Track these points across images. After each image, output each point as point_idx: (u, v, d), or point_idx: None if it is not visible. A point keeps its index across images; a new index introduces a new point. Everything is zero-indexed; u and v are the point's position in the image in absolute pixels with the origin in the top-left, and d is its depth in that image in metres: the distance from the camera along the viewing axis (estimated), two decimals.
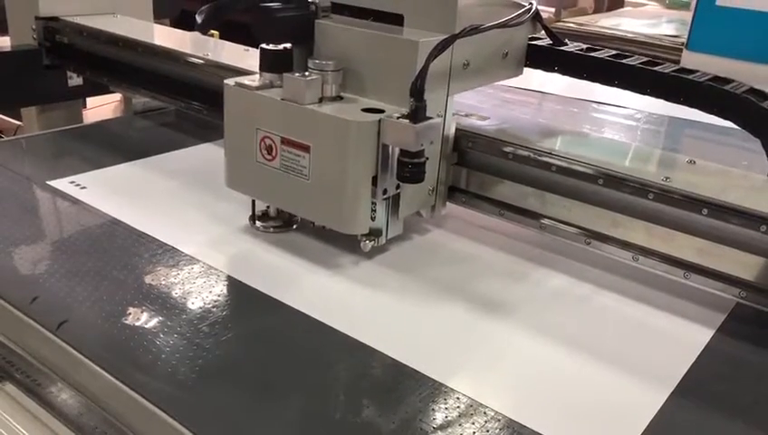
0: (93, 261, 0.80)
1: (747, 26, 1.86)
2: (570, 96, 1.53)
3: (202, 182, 1.00)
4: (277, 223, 0.89)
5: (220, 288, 0.77)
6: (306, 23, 0.82)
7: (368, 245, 0.81)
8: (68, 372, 0.67)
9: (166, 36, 1.27)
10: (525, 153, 0.84)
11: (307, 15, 0.82)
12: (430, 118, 0.74)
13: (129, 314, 0.70)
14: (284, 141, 0.78)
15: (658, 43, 2.31)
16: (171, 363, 0.64)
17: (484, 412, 0.61)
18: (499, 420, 0.60)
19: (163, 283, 0.76)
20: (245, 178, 0.85)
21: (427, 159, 0.76)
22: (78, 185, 0.99)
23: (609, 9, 3.17)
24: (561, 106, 1.55)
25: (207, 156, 1.13)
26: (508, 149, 0.85)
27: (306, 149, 0.77)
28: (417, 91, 0.73)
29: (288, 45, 0.82)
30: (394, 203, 0.82)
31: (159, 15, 1.83)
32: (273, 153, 0.80)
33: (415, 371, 0.65)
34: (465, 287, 0.79)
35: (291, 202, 0.83)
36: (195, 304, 0.73)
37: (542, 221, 0.84)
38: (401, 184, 0.79)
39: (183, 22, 1.70)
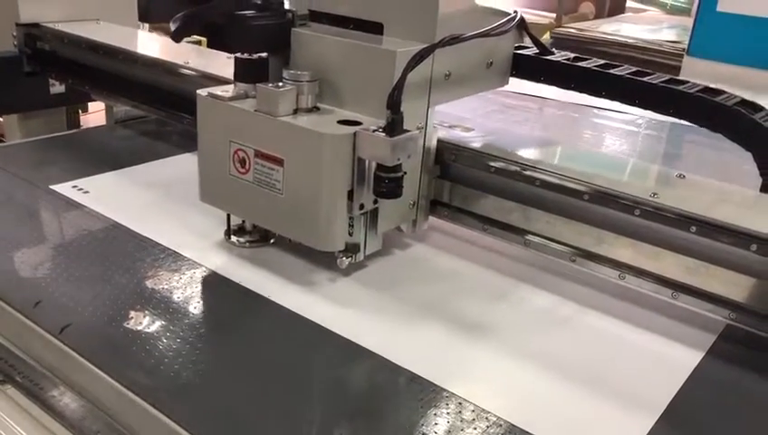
0: (96, 265, 0.80)
1: (748, 32, 1.85)
2: (572, 101, 1.51)
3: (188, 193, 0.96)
4: (253, 237, 0.86)
5: (221, 292, 0.77)
6: (282, 31, 0.79)
7: (344, 261, 0.78)
8: (70, 375, 0.67)
9: (149, 44, 1.24)
10: (508, 167, 0.81)
11: (283, 24, 0.79)
12: (408, 131, 0.71)
13: (132, 317, 0.70)
14: (258, 154, 0.76)
15: (659, 48, 2.29)
16: (173, 367, 0.64)
17: (486, 418, 0.59)
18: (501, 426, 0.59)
19: (165, 287, 0.76)
20: (219, 192, 0.82)
21: (405, 173, 0.73)
22: (81, 189, 0.99)
23: (610, 15, 3.17)
24: (563, 112, 1.53)
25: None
26: (490, 162, 0.82)
27: (280, 162, 0.74)
28: (394, 103, 0.70)
29: (264, 54, 0.79)
30: (372, 218, 0.79)
31: (156, 20, 1.81)
32: (247, 166, 0.77)
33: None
34: (444, 307, 0.76)
35: (265, 217, 0.80)
36: (196, 307, 0.73)
37: (527, 237, 0.81)
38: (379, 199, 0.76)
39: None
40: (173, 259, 0.82)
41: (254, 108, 0.76)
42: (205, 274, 0.80)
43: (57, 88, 1.34)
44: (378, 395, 0.63)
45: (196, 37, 1.69)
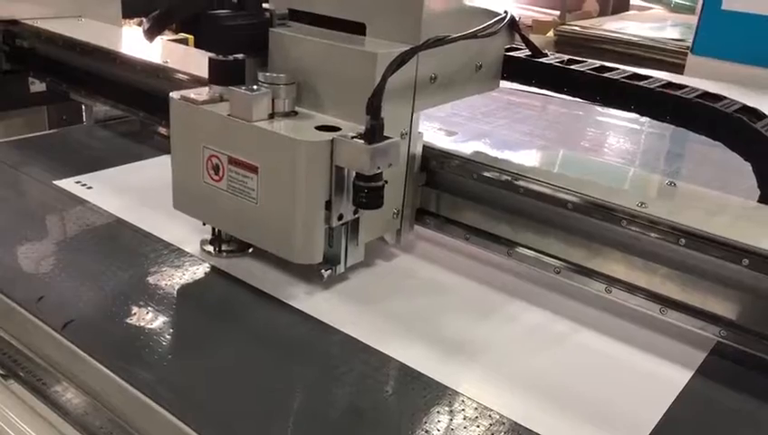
0: (99, 261, 0.79)
1: (753, 30, 1.83)
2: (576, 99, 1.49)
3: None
4: (231, 247, 0.82)
5: (225, 289, 0.76)
6: (258, 32, 0.76)
7: (325, 274, 0.75)
8: (73, 371, 0.67)
9: (131, 42, 1.20)
10: (490, 174, 0.78)
11: (259, 24, 0.75)
12: (388, 138, 0.68)
13: (134, 313, 0.70)
14: (231, 161, 0.72)
15: (663, 46, 2.27)
16: (176, 364, 0.64)
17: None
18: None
19: (167, 283, 0.76)
20: (192, 200, 0.78)
21: (386, 182, 0.70)
22: (84, 185, 0.99)
23: (614, 12, 3.15)
24: (566, 109, 1.50)
25: None
26: (473, 169, 0.79)
27: (254, 169, 0.71)
28: (374, 109, 0.67)
29: (240, 56, 0.76)
30: (353, 228, 0.75)
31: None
32: (220, 173, 0.73)
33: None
34: (426, 324, 0.72)
35: (239, 227, 0.76)
36: (199, 303, 0.74)
37: (509, 247, 0.78)
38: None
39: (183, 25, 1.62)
40: (176, 255, 0.81)
41: (227, 112, 0.72)
42: (208, 270, 0.79)
43: (38, 86, 1.31)
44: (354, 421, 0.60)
45: (183, 35, 1.65)
